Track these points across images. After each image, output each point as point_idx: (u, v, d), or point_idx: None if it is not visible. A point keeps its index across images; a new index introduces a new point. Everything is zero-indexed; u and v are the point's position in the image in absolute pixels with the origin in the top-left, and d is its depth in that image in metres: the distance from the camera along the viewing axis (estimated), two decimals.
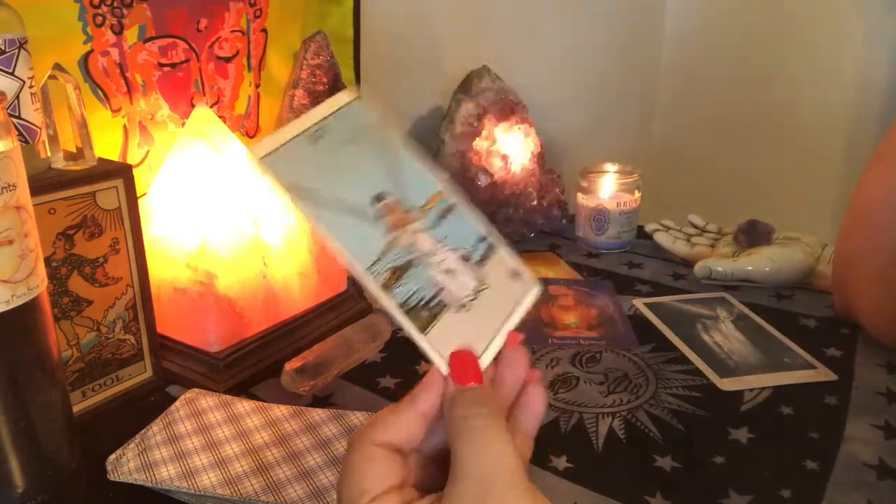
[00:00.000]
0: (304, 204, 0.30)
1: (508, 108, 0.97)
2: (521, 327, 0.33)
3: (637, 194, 0.94)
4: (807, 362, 0.65)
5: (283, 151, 0.31)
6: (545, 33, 1.29)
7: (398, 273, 0.31)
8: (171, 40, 0.71)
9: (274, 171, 0.30)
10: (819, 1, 1.46)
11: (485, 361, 0.31)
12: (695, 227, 0.95)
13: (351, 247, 0.30)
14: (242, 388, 0.61)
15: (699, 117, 1.66)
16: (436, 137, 0.98)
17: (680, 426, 0.56)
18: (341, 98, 0.34)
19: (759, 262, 0.81)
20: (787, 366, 0.65)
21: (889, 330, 0.65)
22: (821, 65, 1.49)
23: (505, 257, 0.35)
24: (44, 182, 0.50)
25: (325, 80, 0.84)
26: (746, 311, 0.75)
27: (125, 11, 0.66)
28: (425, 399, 0.30)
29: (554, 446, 0.54)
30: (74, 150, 0.55)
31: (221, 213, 0.63)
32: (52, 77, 0.52)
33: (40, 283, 0.42)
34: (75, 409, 0.52)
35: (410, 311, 0.31)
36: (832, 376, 0.63)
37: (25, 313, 0.41)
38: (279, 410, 0.56)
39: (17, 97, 0.49)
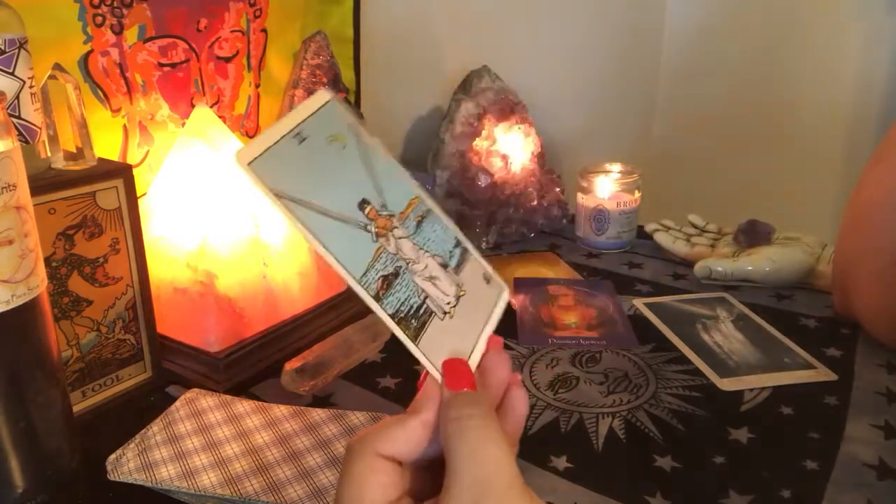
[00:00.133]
0: (292, 211, 0.29)
1: (508, 108, 0.97)
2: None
3: (637, 194, 0.94)
4: (807, 362, 0.65)
5: (268, 156, 0.30)
6: (545, 33, 1.29)
7: (388, 281, 0.31)
8: (171, 40, 0.71)
9: (261, 176, 0.29)
10: (819, 1, 1.46)
11: (472, 367, 0.31)
12: (695, 227, 0.95)
13: (342, 255, 0.30)
14: (242, 388, 0.61)
15: (699, 117, 1.66)
16: (436, 137, 0.98)
17: (680, 426, 0.56)
18: (319, 98, 0.33)
19: (759, 262, 0.81)
20: (787, 366, 0.65)
21: (889, 330, 0.65)
22: (821, 65, 1.49)
23: (478, 262, 0.35)
24: (44, 182, 0.50)
25: (325, 80, 0.84)
26: (746, 311, 0.75)
27: (125, 11, 0.66)
28: (428, 409, 0.30)
29: (554, 446, 0.54)
30: (74, 150, 0.55)
31: (221, 213, 0.63)
32: (52, 77, 0.52)
33: (40, 283, 0.42)
34: (75, 409, 0.52)
35: (402, 321, 0.31)
36: (832, 376, 0.63)
37: (25, 313, 0.41)
38: (279, 410, 0.56)
39: (17, 97, 0.49)
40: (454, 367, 0.31)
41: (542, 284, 0.82)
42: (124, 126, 0.70)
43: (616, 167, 0.97)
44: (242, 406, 0.56)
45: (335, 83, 0.85)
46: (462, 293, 0.33)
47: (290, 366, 0.60)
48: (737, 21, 1.57)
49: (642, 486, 0.49)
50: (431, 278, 0.32)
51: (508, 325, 0.72)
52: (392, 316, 0.31)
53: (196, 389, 0.58)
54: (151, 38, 0.69)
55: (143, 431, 0.52)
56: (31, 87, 0.50)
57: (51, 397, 0.44)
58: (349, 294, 0.74)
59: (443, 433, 0.29)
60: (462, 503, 0.26)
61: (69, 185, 0.52)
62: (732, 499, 0.48)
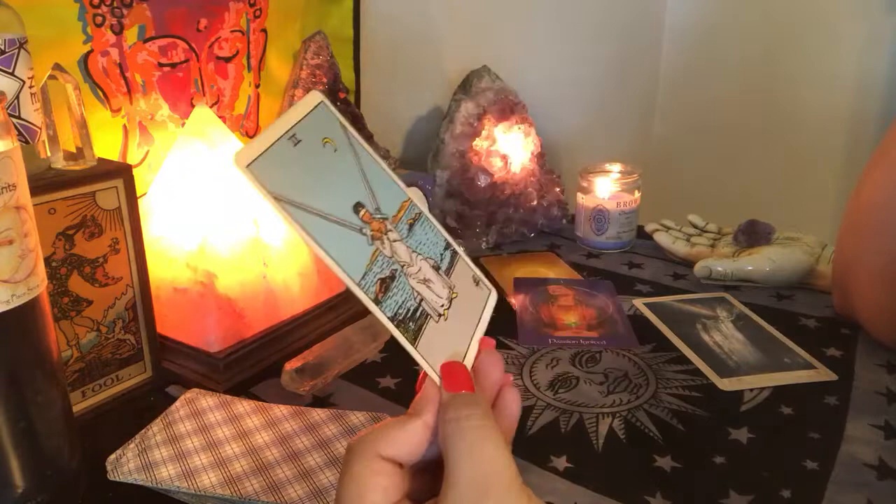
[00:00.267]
0: (291, 213, 0.29)
1: (508, 108, 0.97)
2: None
3: (637, 194, 0.94)
4: (807, 362, 0.65)
5: (266, 158, 0.30)
6: (545, 33, 1.29)
7: (385, 284, 0.31)
8: (170, 40, 0.71)
9: (259, 178, 0.29)
10: (819, 2, 1.46)
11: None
12: (695, 227, 0.95)
13: (341, 258, 0.30)
14: (242, 388, 0.61)
15: (699, 117, 1.66)
16: (436, 137, 0.98)
17: (680, 426, 0.56)
18: (311, 100, 0.32)
19: (759, 262, 0.81)
20: (787, 366, 0.65)
21: (889, 330, 0.65)
22: (821, 65, 1.49)
23: (466, 264, 0.35)
24: (44, 182, 0.50)
25: (325, 80, 0.84)
26: (746, 311, 0.75)
27: (125, 11, 0.66)
28: (428, 411, 0.30)
29: (554, 446, 0.54)
30: (74, 150, 0.55)
31: (221, 213, 0.63)
32: (52, 77, 0.52)
33: (40, 283, 0.42)
34: (75, 409, 0.52)
35: (400, 324, 0.31)
36: (832, 376, 0.63)
37: (25, 313, 0.41)
38: (279, 410, 0.56)
39: (17, 97, 0.49)
40: (452, 370, 0.31)
41: (542, 284, 0.82)
42: (124, 126, 0.70)
43: (616, 167, 0.97)
44: (242, 406, 0.56)
45: (335, 83, 0.85)
46: (454, 295, 0.34)
47: (290, 366, 0.60)
48: (737, 21, 1.57)
49: (642, 486, 0.49)
50: (425, 281, 0.33)
51: (508, 325, 0.72)
52: (391, 319, 0.31)
53: (196, 389, 0.58)
54: (151, 38, 0.69)
55: (143, 431, 0.52)
56: (31, 87, 0.50)
57: (51, 397, 0.44)
58: (349, 294, 0.74)
59: (441, 434, 0.29)
60: (461, 503, 0.26)
61: (69, 185, 0.52)
62: (732, 499, 0.48)
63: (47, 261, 0.51)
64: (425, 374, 0.31)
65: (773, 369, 0.64)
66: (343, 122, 0.33)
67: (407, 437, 0.29)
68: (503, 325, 0.72)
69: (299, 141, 0.31)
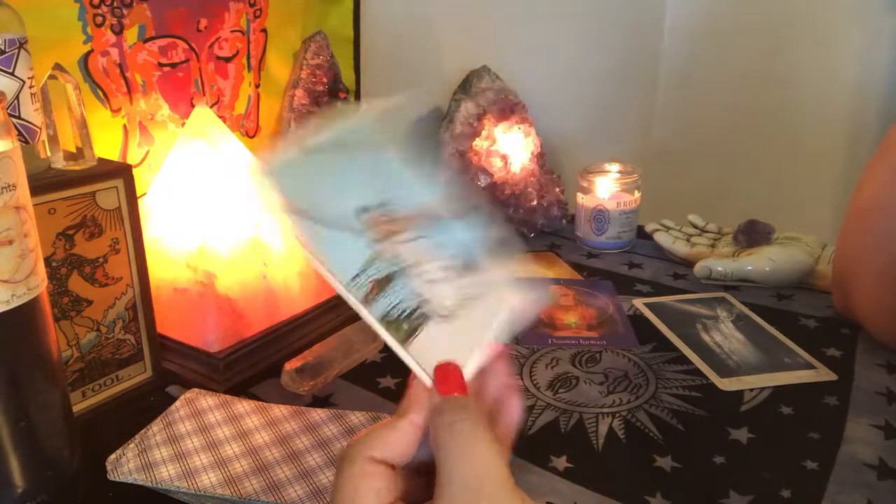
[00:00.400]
0: (287, 216, 0.30)
1: (508, 108, 0.97)
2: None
3: (637, 194, 0.94)
4: (807, 362, 0.65)
5: (279, 164, 0.31)
6: (545, 33, 1.29)
7: (381, 285, 0.31)
8: (171, 40, 0.71)
9: (277, 185, 0.30)
10: (819, 2, 1.46)
11: (467, 373, 0.31)
12: (695, 227, 0.95)
13: (332, 259, 0.31)
14: (242, 388, 0.61)
15: (699, 118, 1.66)
16: (436, 137, 0.98)
17: (680, 426, 0.56)
18: (346, 108, 0.33)
19: (759, 262, 0.81)
20: (787, 366, 0.65)
21: (889, 329, 0.65)
22: (821, 65, 1.48)
23: (495, 269, 0.33)
24: (44, 182, 0.50)
25: (325, 80, 0.84)
26: (746, 311, 0.75)
27: (125, 11, 0.66)
28: (416, 411, 0.30)
29: (554, 446, 0.54)
30: (74, 150, 0.55)
31: (221, 214, 0.63)
32: (52, 77, 0.52)
33: (40, 283, 0.42)
34: (75, 409, 0.52)
35: (391, 324, 0.31)
36: (832, 376, 0.63)
37: (25, 313, 0.41)
38: (279, 410, 0.56)
39: (17, 97, 0.49)
40: (446, 372, 0.30)
41: (542, 284, 0.82)
42: (124, 126, 0.70)
43: (616, 167, 0.97)
44: (242, 406, 0.56)
45: (335, 83, 0.85)
46: (469, 298, 0.32)
47: (290, 366, 0.60)
48: (737, 21, 1.57)
49: (642, 486, 0.49)
50: (432, 282, 0.32)
51: None
52: (380, 318, 0.31)
53: (196, 389, 0.58)
54: (151, 38, 0.69)
55: (143, 431, 0.52)
56: (31, 87, 0.50)
57: (51, 397, 0.44)
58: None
59: (433, 438, 0.29)
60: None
61: (69, 185, 0.52)
62: (732, 499, 0.48)
63: (47, 261, 0.51)
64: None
65: (773, 369, 0.64)
66: (372, 123, 0.32)
67: (396, 438, 0.30)
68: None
69: (318, 145, 0.31)
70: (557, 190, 1.01)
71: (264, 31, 0.81)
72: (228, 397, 0.57)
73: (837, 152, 1.50)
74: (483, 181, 0.94)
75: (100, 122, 0.67)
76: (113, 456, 0.49)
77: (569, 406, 0.59)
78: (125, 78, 0.68)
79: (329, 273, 0.31)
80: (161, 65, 0.71)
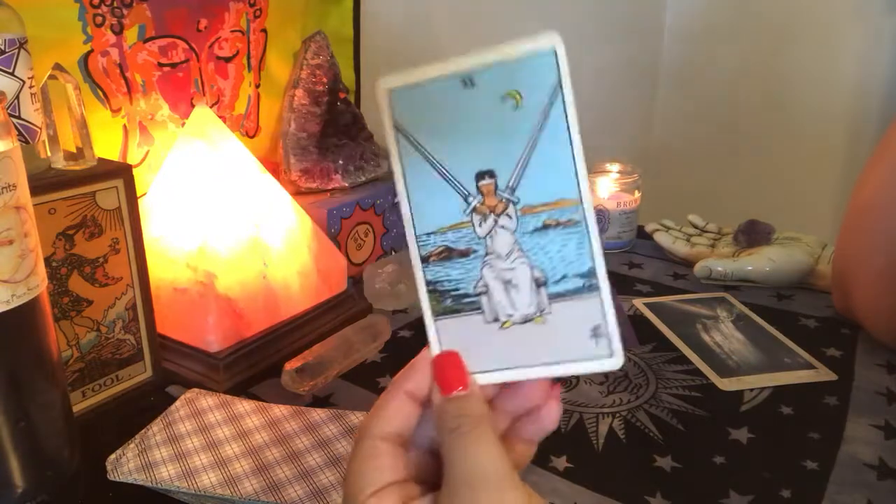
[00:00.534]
0: (400, 147, 0.28)
1: None
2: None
3: (637, 194, 0.94)
4: (807, 362, 0.65)
5: (414, 89, 0.28)
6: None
7: (447, 254, 0.29)
8: (171, 40, 0.71)
9: (393, 105, 0.28)
10: (819, 2, 1.46)
11: (483, 379, 0.30)
12: (695, 227, 0.95)
13: (420, 202, 0.29)
14: (242, 388, 0.61)
15: (699, 117, 1.66)
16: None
17: (680, 426, 0.56)
18: (533, 44, 0.27)
19: (759, 262, 0.81)
20: (787, 366, 0.65)
21: (889, 329, 0.65)
22: (821, 65, 1.49)
23: (599, 309, 0.29)
24: (44, 182, 0.50)
25: (325, 80, 0.84)
26: (746, 311, 0.75)
27: (125, 11, 0.66)
28: (410, 378, 0.30)
29: (554, 446, 0.54)
30: (74, 150, 0.55)
31: (221, 213, 0.63)
32: (52, 77, 0.52)
33: (40, 283, 0.42)
34: (75, 409, 0.52)
35: (433, 294, 0.29)
36: (832, 376, 0.63)
37: (25, 313, 0.41)
38: (279, 410, 0.56)
39: (17, 97, 0.49)
40: (446, 363, 0.30)
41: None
42: (124, 126, 0.70)
43: (616, 167, 0.97)
44: (242, 406, 0.56)
45: (335, 83, 0.85)
46: (540, 320, 0.29)
47: (290, 366, 0.60)
48: (737, 21, 1.57)
49: (642, 486, 0.49)
50: (507, 282, 0.29)
51: None
52: (427, 283, 0.29)
53: (196, 389, 0.58)
54: (151, 38, 0.69)
55: (143, 431, 0.52)
56: (31, 87, 0.50)
57: (51, 397, 0.44)
58: (349, 294, 0.74)
59: (440, 443, 0.29)
60: (456, 501, 0.27)
61: (69, 185, 0.52)
62: (732, 499, 0.48)
63: (47, 261, 0.51)
64: (426, 347, 0.31)
65: (773, 369, 0.64)
66: (561, 82, 0.27)
67: (394, 410, 0.30)
68: None
69: (473, 85, 0.27)
70: None
71: (264, 31, 0.81)
72: (228, 397, 0.57)
73: (837, 152, 1.50)
74: None
75: (100, 122, 0.67)
76: (113, 456, 0.49)
77: (569, 406, 0.59)
78: (125, 78, 0.68)
79: (408, 213, 0.29)
80: (161, 65, 0.71)
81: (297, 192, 0.82)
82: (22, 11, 0.49)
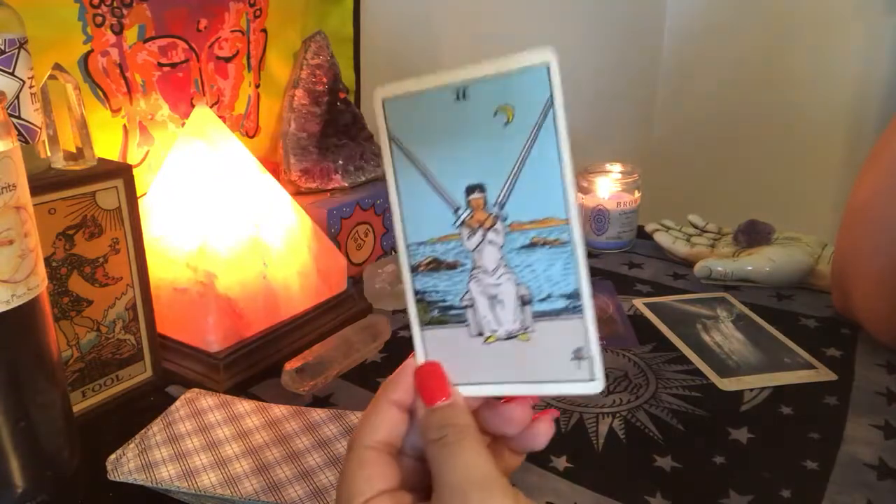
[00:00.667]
0: (394, 157, 0.28)
1: None
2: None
3: (637, 194, 0.94)
4: (807, 362, 0.65)
5: (409, 100, 0.28)
6: (545, 33, 1.29)
7: (436, 265, 0.29)
8: (170, 40, 0.71)
9: (388, 116, 0.28)
10: (819, 2, 1.46)
11: (464, 392, 0.30)
12: (695, 227, 0.95)
13: (411, 212, 0.29)
14: (242, 388, 0.61)
15: (699, 117, 1.66)
16: None
17: (680, 426, 0.56)
18: (527, 59, 0.26)
19: (759, 262, 0.81)
20: (787, 366, 0.65)
21: (887, 328, 0.65)
22: (821, 65, 1.49)
23: (583, 333, 0.28)
24: (44, 182, 0.50)
25: (325, 80, 0.84)
26: (746, 311, 0.75)
27: (125, 11, 0.66)
28: (396, 388, 0.30)
29: (554, 446, 0.54)
30: (74, 150, 0.55)
31: (221, 213, 0.63)
32: (52, 77, 0.52)
33: (40, 283, 0.42)
34: (75, 409, 0.52)
35: (421, 303, 0.30)
36: (832, 376, 0.63)
37: (25, 313, 0.41)
38: (279, 410, 0.56)
39: (17, 97, 0.49)
40: (427, 375, 0.30)
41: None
42: (124, 126, 0.70)
43: (616, 167, 0.97)
44: (242, 406, 0.56)
45: (335, 83, 0.85)
46: (524, 338, 0.29)
47: (290, 366, 0.60)
48: (737, 21, 1.57)
49: (642, 486, 0.49)
50: (492, 298, 0.29)
51: None
52: (416, 292, 0.30)
53: (196, 389, 0.58)
54: (151, 38, 0.69)
55: (143, 431, 0.52)
56: (31, 87, 0.50)
57: (51, 397, 0.44)
58: (349, 294, 0.74)
59: (426, 451, 0.29)
60: None
61: (69, 185, 0.52)
62: (732, 499, 0.48)
63: (47, 261, 0.51)
64: (412, 355, 0.31)
65: (773, 369, 0.64)
66: (553, 99, 0.27)
67: (381, 419, 0.30)
68: None
69: (466, 97, 0.27)
70: None
71: (264, 31, 0.81)
72: (228, 397, 0.57)
73: (837, 152, 1.50)
74: None
75: (100, 122, 0.67)
76: (113, 456, 0.49)
77: (569, 406, 0.59)
78: (125, 78, 0.68)
79: (399, 223, 0.29)
80: (161, 65, 0.71)
81: (297, 192, 0.82)
82: (22, 11, 0.49)
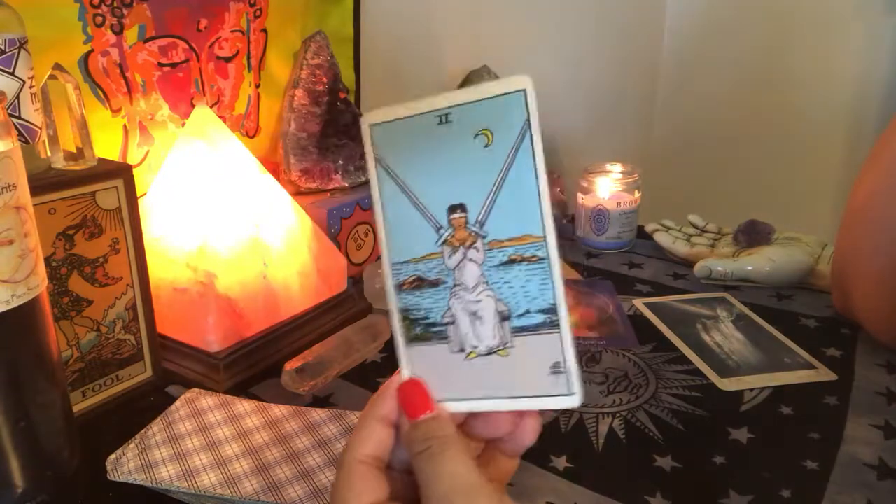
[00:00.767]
0: (380, 178, 0.30)
1: None
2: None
3: (637, 194, 0.94)
4: (807, 362, 0.65)
5: (395, 125, 0.30)
6: (545, 33, 1.29)
7: (419, 283, 0.30)
8: (171, 40, 0.71)
9: (375, 140, 0.30)
10: (819, 2, 1.46)
11: (448, 407, 0.30)
12: (695, 227, 0.95)
13: (395, 232, 0.30)
14: (242, 388, 0.61)
15: (699, 117, 1.66)
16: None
17: (680, 426, 0.56)
18: (505, 86, 0.28)
19: (759, 262, 0.81)
20: (787, 366, 0.65)
21: (887, 328, 0.65)
22: (821, 65, 1.49)
23: (559, 346, 0.29)
24: (44, 182, 0.50)
25: (325, 80, 0.84)
26: (746, 311, 0.75)
27: (125, 11, 0.66)
28: (382, 404, 0.31)
29: (554, 446, 0.54)
30: (74, 150, 0.55)
31: (221, 213, 0.63)
32: (52, 77, 0.52)
33: (40, 283, 0.42)
34: (75, 409, 0.52)
35: (405, 321, 0.31)
36: (832, 376, 0.63)
37: (25, 313, 0.41)
38: (279, 410, 0.56)
39: (18, 97, 0.49)
40: (409, 391, 0.31)
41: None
42: (124, 126, 0.70)
43: (616, 167, 0.97)
44: (242, 406, 0.56)
45: (335, 83, 0.85)
46: (504, 353, 0.30)
47: (290, 366, 0.60)
48: (736, 21, 1.57)
49: (642, 486, 0.49)
50: (473, 314, 0.30)
51: None
52: (400, 310, 0.31)
53: (196, 389, 0.58)
54: (151, 38, 0.69)
55: (143, 431, 0.52)
56: (31, 87, 0.50)
57: (51, 397, 0.44)
58: (349, 294, 0.74)
59: (412, 464, 0.30)
60: None
61: (69, 185, 0.52)
62: (732, 499, 0.48)
63: (47, 261, 0.51)
64: (398, 371, 0.32)
65: (773, 369, 0.64)
66: (529, 122, 0.28)
67: (368, 434, 0.31)
68: None
69: (448, 122, 0.29)
70: (557, 190, 1.01)
71: (264, 31, 0.81)
72: (228, 397, 0.57)
73: (837, 152, 1.50)
74: None
75: (100, 122, 0.67)
76: (113, 456, 0.49)
77: None
78: (125, 78, 0.68)
79: (384, 241, 0.30)
80: (161, 65, 0.71)
81: (297, 192, 0.82)
82: (22, 11, 0.49)
